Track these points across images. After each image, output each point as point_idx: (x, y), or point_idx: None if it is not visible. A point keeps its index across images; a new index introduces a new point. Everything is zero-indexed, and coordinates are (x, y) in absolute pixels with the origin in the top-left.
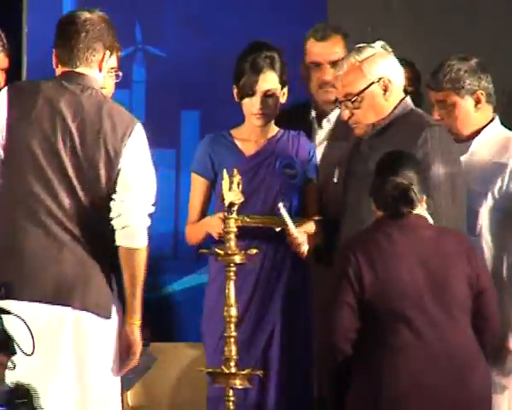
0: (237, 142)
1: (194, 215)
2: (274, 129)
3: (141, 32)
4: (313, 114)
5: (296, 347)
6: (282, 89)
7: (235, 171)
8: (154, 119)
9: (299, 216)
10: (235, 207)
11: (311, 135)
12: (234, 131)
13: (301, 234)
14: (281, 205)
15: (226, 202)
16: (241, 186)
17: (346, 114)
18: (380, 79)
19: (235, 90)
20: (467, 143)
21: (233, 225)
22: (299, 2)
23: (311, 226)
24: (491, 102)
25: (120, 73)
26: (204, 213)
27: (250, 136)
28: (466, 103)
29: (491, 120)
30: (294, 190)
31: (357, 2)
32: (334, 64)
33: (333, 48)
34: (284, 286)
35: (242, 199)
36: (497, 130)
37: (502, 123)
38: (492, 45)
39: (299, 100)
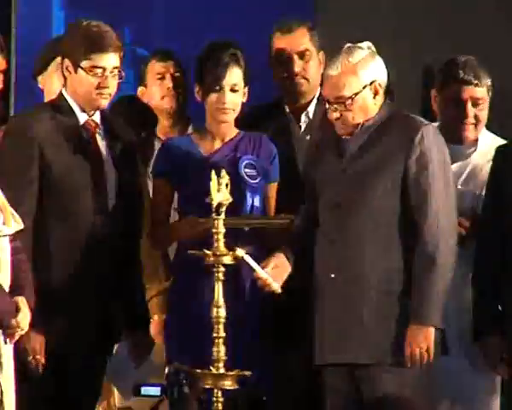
0: (196, 142)
1: (160, 220)
2: (234, 130)
3: (129, 33)
4: (287, 109)
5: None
6: (244, 87)
7: (224, 172)
8: None
9: (262, 215)
10: (224, 208)
11: (288, 131)
12: (193, 134)
13: (269, 274)
14: (243, 253)
15: (214, 203)
16: (229, 187)
17: (335, 115)
18: (372, 82)
19: (196, 89)
20: (458, 147)
21: (221, 226)
22: (286, 3)
23: (279, 260)
24: None
25: (123, 73)
26: (168, 217)
27: (211, 135)
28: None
29: None
30: (255, 191)
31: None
32: (301, 55)
33: (300, 39)
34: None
35: (231, 200)
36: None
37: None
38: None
39: (267, 99)
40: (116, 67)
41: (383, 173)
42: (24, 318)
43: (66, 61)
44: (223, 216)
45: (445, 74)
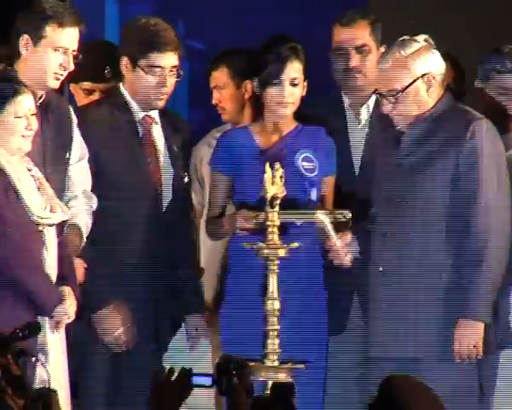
0: (255, 135)
1: (215, 212)
2: (293, 123)
3: (184, 27)
4: (347, 102)
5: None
6: (304, 80)
7: (278, 165)
8: (197, 112)
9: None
10: (278, 201)
11: (346, 125)
12: (252, 126)
13: (342, 246)
14: (322, 216)
15: (268, 196)
16: (283, 180)
17: (388, 108)
18: (424, 74)
19: (252, 83)
20: (508, 136)
21: (276, 219)
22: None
23: (348, 236)
24: None
25: (182, 72)
26: (224, 210)
27: (269, 128)
28: None
29: None
30: (312, 184)
31: None
32: (359, 50)
33: (358, 33)
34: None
35: (285, 192)
36: None
37: None
38: None
39: (327, 92)
40: (175, 67)
41: (435, 168)
42: (71, 306)
43: (125, 59)
44: (277, 209)
45: (490, 65)
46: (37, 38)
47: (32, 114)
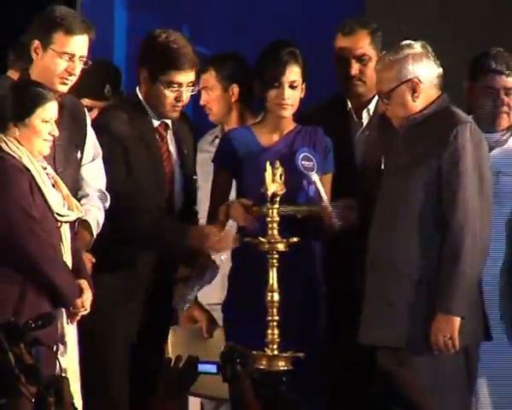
0: (257, 134)
1: (214, 208)
2: (292, 124)
3: (187, 31)
4: (349, 105)
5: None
6: (302, 83)
7: (278, 163)
8: (201, 117)
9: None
10: (278, 198)
11: (348, 127)
12: (254, 125)
13: (333, 207)
14: (316, 177)
15: (269, 193)
16: (283, 177)
17: (383, 107)
18: (409, 80)
19: (256, 85)
20: (495, 134)
21: (276, 215)
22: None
23: (348, 202)
24: None
25: (197, 88)
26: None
27: (270, 128)
28: None
29: None
30: (312, 182)
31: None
32: (358, 59)
33: (358, 43)
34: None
35: (284, 190)
36: None
37: None
38: None
39: (333, 94)
40: (192, 82)
41: (419, 169)
42: (87, 299)
43: (145, 72)
44: (277, 205)
45: (477, 66)
46: (46, 44)
47: (55, 121)
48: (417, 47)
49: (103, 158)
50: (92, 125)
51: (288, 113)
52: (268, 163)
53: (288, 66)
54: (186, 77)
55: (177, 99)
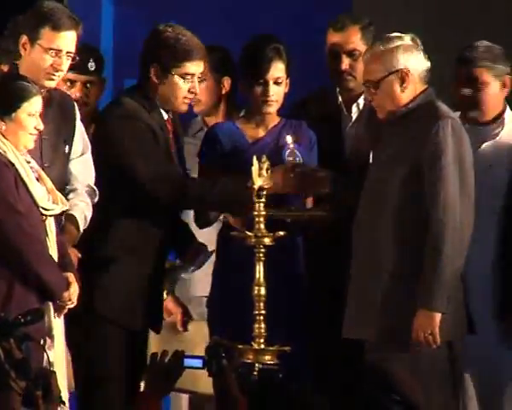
0: (242, 129)
1: None
2: (276, 117)
3: None
4: (340, 99)
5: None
6: (286, 78)
7: (265, 157)
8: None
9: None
10: (264, 192)
11: (338, 120)
12: (239, 121)
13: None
14: (290, 140)
15: (256, 187)
16: (269, 172)
17: (369, 98)
18: (398, 70)
19: (241, 82)
20: (487, 128)
21: (262, 209)
22: None
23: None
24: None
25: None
26: None
27: (255, 123)
28: (496, 85)
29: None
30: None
31: None
32: (349, 54)
33: (349, 38)
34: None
35: (271, 184)
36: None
37: None
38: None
39: (325, 86)
40: (202, 73)
41: (400, 162)
42: (74, 292)
43: (154, 68)
44: (263, 200)
45: (457, 58)
46: (33, 39)
47: (40, 115)
48: (407, 39)
49: (136, 147)
50: (116, 117)
51: (273, 109)
52: (255, 157)
53: (272, 62)
54: (198, 67)
55: (191, 90)
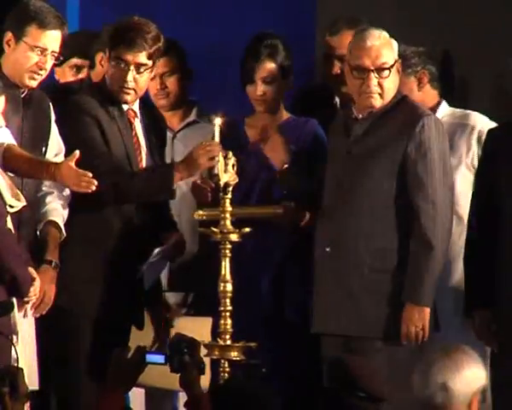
0: (247, 128)
1: None
2: (283, 116)
3: None
4: (337, 99)
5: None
6: (285, 77)
7: (230, 153)
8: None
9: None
10: (230, 188)
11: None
12: (247, 118)
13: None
14: (219, 121)
15: (221, 183)
16: (235, 168)
17: (374, 82)
18: (397, 61)
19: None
20: None
21: (228, 205)
22: None
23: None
24: (436, 86)
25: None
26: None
27: (258, 122)
28: (410, 82)
29: (438, 103)
30: None
31: None
32: (341, 59)
33: (342, 42)
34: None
35: (237, 180)
36: (446, 109)
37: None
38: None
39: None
40: (142, 65)
41: (383, 157)
42: (37, 287)
43: (101, 54)
44: (229, 196)
45: None
46: (18, 36)
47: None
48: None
49: (83, 139)
50: (66, 106)
51: (263, 108)
52: (221, 153)
53: (261, 62)
54: (133, 56)
55: (123, 78)
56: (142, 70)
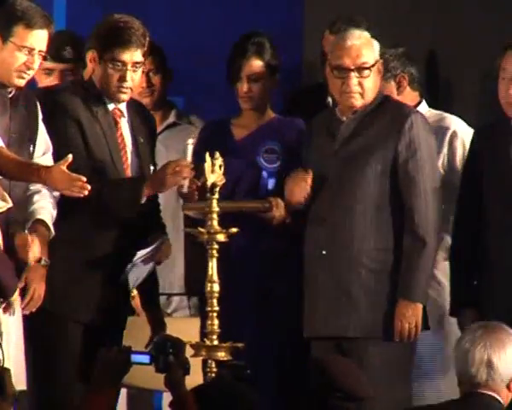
0: (232, 127)
1: None
2: (268, 115)
3: None
4: (329, 99)
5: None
6: (271, 75)
7: (217, 153)
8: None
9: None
10: (217, 189)
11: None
12: (234, 118)
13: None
14: (190, 140)
15: (209, 183)
16: (222, 168)
17: (354, 82)
18: (378, 60)
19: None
20: None
21: (215, 206)
22: None
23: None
24: (416, 87)
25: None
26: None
27: (244, 121)
28: (389, 86)
29: (418, 103)
30: (271, 175)
31: None
32: None
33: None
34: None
35: (224, 181)
36: (425, 110)
37: None
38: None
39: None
40: (137, 63)
41: (373, 157)
42: (17, 289)
43: (91, 52)
44: (216, 196)
45: None
46: (5, 36)
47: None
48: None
49: (60, 140)
50: (47, 107)
51: (249, 106)
52: (207, 154)
53: (247, 58)
54: (130, 56)
55: (122, 79)
56: (137, 67)
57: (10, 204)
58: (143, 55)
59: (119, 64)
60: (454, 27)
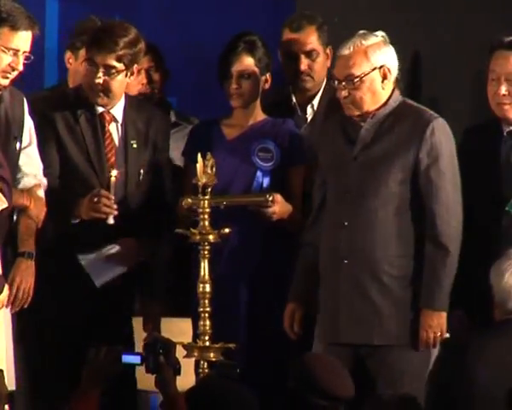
0: (223, 127)
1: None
2: (259, 116)
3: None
4: (294, 100)
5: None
6: (262, 74)
7: (209, 154)
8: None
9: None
10: (209, 189)
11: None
12: (223, 117)
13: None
14: (114, 171)
15: (200, 184)
16: (214, 169)
17: (343, 93)
18: (381, 66)
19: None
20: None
21: (207, 206)
22: None
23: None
24: (399, 87)
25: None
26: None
27: (234, 121)
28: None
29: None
30: (266, 174)
31: None
32: (308, 54)
33: (307, 38)
34: (254, 266)
35: (216, 181)
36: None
37: None
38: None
39: (280, 87)
40: (111, 67)
41: (394, 163)
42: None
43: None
44: (208, 197)
45: None
46: None
47: None
48: (381, 36)
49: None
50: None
51: (238, 103)
52: (199, 155)
53: (237, 56)
54: (101, 58)
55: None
56: (112, 72)
57: (6, 204)
58: (119, 61)
59: (93, 64)
60: (440, 27)
